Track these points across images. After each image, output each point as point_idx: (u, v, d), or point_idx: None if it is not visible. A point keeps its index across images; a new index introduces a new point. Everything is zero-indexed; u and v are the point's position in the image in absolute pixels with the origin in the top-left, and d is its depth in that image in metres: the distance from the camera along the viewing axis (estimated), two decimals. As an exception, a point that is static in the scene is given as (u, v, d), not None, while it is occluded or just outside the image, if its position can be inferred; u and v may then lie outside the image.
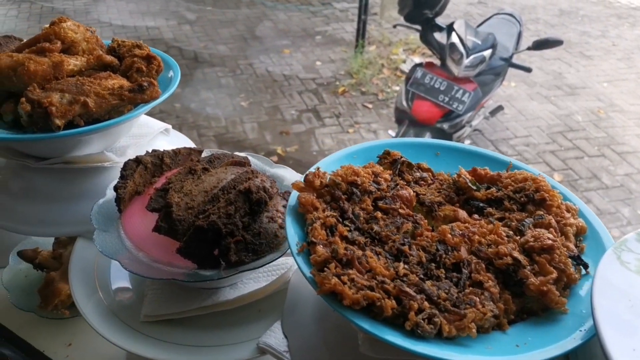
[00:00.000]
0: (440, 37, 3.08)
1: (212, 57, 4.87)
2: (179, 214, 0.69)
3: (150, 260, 0.69)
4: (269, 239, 0.69)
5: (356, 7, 6.16)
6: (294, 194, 0.64)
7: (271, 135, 4.11)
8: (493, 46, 3.07)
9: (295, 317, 0.68)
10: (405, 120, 3.23)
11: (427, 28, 3.09)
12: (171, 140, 1.00)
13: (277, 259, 0.66)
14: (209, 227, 0.66)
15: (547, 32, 5.92)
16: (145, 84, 0.80)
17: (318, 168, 0.64)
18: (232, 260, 0.66)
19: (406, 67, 5.03)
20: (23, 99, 0.74)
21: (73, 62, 0.83)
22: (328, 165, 0.69)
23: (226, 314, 0.74)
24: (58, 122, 0.72)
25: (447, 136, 3.15)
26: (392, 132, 3.96)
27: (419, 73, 3.10)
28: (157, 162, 0.78)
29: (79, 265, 0.76)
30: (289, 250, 0.69)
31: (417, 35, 5.37)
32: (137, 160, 0.76)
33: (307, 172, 0.63)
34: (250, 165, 0.85)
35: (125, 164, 0.75)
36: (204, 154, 0.86)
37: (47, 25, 0.88)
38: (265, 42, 5.25)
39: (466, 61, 3.02)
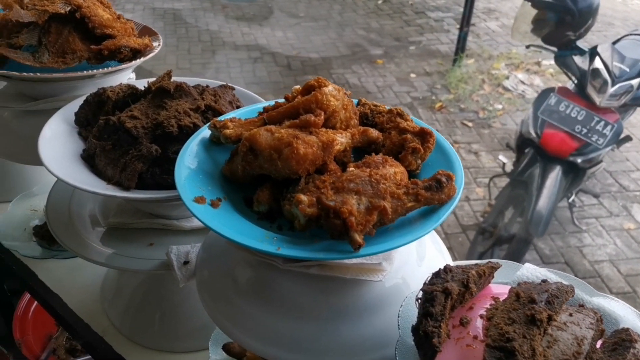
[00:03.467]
0: (580, 61, 2.74)
1: (305, 65, 4.71)
2: (540, 396, 0.47)
3: None
4: None
5: (451, 16, 5.83)
6: None
7: (366, 152, 3.90)
8: (643, 74, 2.70)
9: None
10: (529, 149, 2.91)
11: (566, 50, 2.76)
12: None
13: None
14: None
15: (667, 50, 5.33)
16: (444, 178, 0.59)
17: None
18: None
19: (509, 84, 4.67)
20: (304, 199, 0.55)
21: (340, 140, 0.64)
22: None
23: None
24: (359, 238, 0.53)
25: (580, 171, 2.80)
26: (503, 158, 3.64)
27: (552, 99, 2.78)
28: (462, 289, 0.57)
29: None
30: None
31: (521, 49, 4.97)
32: (445, 292, 0.55)
33: None
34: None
35: (433, 296, 0.55)
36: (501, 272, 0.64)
37: (298, 87, 0.69)
38: (357, 52, 5.04)
39: (611, 90, 2.67)
